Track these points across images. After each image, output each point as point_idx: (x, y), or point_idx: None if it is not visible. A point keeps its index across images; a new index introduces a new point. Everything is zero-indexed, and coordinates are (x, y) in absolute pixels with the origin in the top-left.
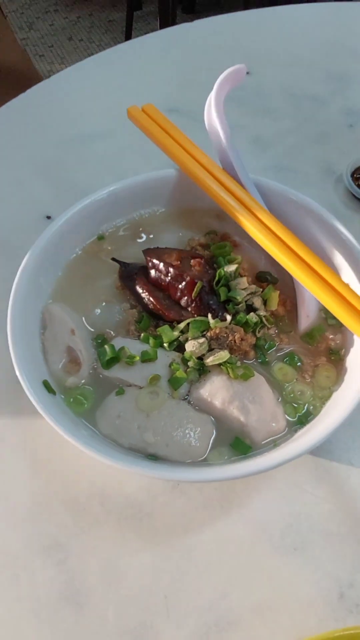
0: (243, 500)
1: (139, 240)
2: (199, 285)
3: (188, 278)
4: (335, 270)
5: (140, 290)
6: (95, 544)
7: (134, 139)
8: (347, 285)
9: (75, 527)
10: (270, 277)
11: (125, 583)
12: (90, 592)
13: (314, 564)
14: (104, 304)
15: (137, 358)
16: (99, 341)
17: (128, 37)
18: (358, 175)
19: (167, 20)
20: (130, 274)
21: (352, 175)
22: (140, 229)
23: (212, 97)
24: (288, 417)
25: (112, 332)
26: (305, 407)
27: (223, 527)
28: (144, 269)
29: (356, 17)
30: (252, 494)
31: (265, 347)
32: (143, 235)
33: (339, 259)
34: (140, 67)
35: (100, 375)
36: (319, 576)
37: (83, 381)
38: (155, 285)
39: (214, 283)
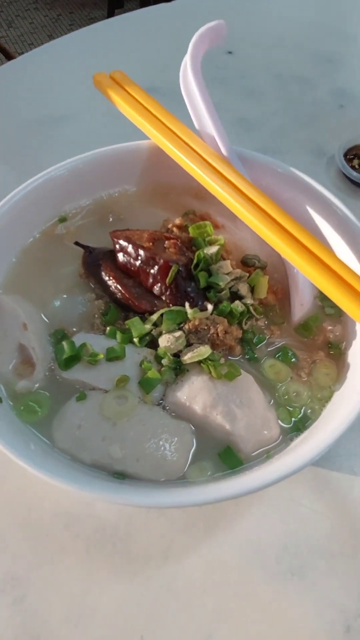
0: (232, 520)
1: (107, 223)
2: (174, 269)
3: (161, 261)
4: (330, 249)
5: (106, 278)
6: (59, 577)
7: (109, 119)
8: (345, 265)
9: (35, 557)
10: (258, 261)
11: (95, 623)
12: (52, 636)
13: (315, 592)
14: (65, 295)
15: (102, 356)
16: (58, 337)
17: None
18: (351, 156)
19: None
20: (96, 260)
21: (344, 156)
22: (109, 210)
23: (187, 56)
24: (282, 423)
25: (73, 328)
26: (302, 411)
27: (208, 552)
28: (111, 254)
29: None
30: (242, 511)
31: (254, 341)
32: (112, 217)
33: (334, 237)
34: (118, 47)
35: (58, 378)
36: (321, 606)
37: (37, 385)
38: (123, 272)
39: (192, 267)
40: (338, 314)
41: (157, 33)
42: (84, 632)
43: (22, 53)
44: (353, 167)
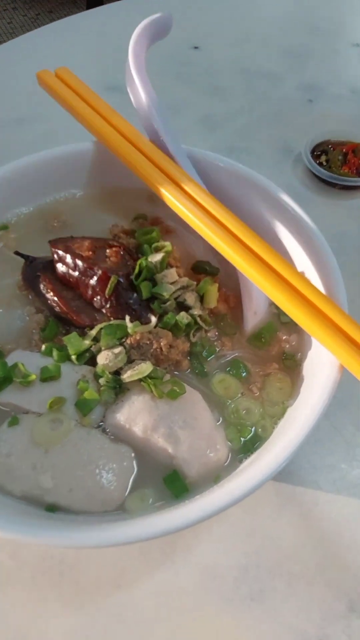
0: (189, 542)
1: (52, 230)
2: (113, 279)
3: (100, 272)
4: (287, 258)
5: (44, 290)
6: (3, 608)
7: (71, 122)
8: (301, 275)
9: None
10: (209, 267)
11: None
12: None
13: (275, 617)
14: (1, 309)
15: (34, 377)
16: None
17: None
18: (318, 153)
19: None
20: (35, 271)
21: (312, 153)
22: (54, 216)
23: (129, 54)
24: (231, 444)
25: (8, 345)
26: (253, 430)
27: (163, 578)
28: (51, 264)
29: None
30: (200, 533)
31: (203, 354)
32: (57, 223)
33: (292, 243)
34: (77, 45)
35: None
36: (282, 633)
37: None
38: (63, 283)
39: (134, 277)
40: (294, 323)
41: (117, 30)
42: None
43: None
44: (320, 164)
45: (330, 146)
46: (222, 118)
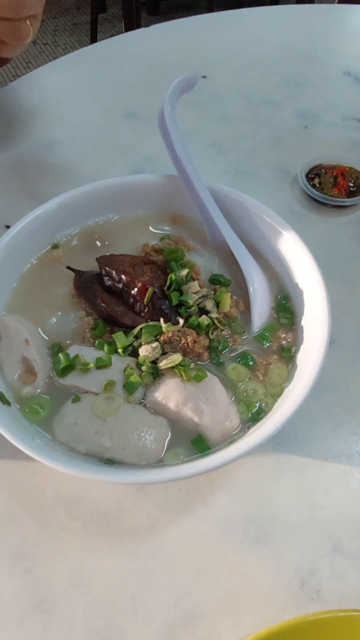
0: (206, 498)
1: (94, 248)
2: (150, 290)
3: (140, 284)
4: (281, 266)
5: (94, 298)
6: (62, 550)
7: (95, 146)
8: None
9: (40, 535)
10: (223, 279)
11: (93, 587)
12: (58, 598)
13: (276, 555)
14: (59, 312)
15: (92, 365)
16: (55, 350)
17: (94, 39)
18: (312, 175)
19: (132, 22)
20: (85, 282)
21: (306, 176)
22: (95, 237)
23: (165, 105)
24: (241, 416)
25: (67, 341)
26: (258, 405)
27: (187, 525)
28: (99, 277)
29: (309, 20)
30: (215, 491)
31: (219, 348)
32: (98, 242)
33: (294, 262)
34: (98, 73)
35: (56, 384)
36: (281, 566)
37: (39, 390)
38: (109, 292)
39: (166, 288)
40: (291, 324)
41: (133, 59)
42: (84, 594)
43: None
44: (314, 186)
45: (322, 170)
46: (228, 143)
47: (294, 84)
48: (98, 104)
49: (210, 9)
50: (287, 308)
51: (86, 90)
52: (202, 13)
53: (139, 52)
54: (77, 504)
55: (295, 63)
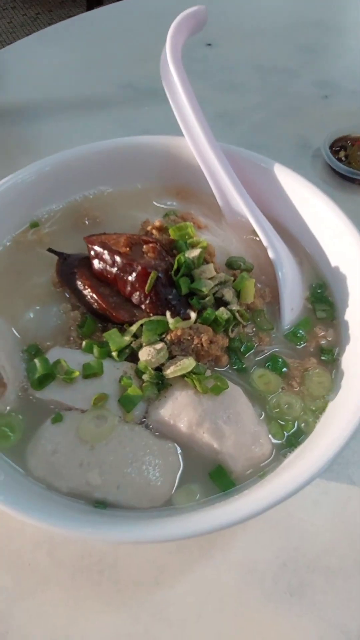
0: (227, 538)
1: (83, 227)
2: (153, 275)
3: (139, 268)
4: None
5: (81, 287)
6: (43, 609)
7: (87, 118)
8: None
9: (17, 589)
10: (243, 263)
11: None
12: None
13: (315, 612)
14: (37, 306)
15: (77, 373)
16: (31, 353)
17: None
18: (337, 148)
19: None
20: (71, 267)
21: (330, 149)
22: (84, 214)
23: (166, 46)
24: (274, 439)
25: (47, 342)
26: (295, 424)
27: (203, 575)
28: (87, 260)
29: None
30: (237, 529)
31: (241, 349)
32: (87, 220)
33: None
34: (93, 42)
35: (32, 398)
36: (322, 628)
37: (9, 407)
38: (100, 280)
39: (173, 272)
40: (330, 318)
41: (132, 28)
42: None
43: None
44: (339, 159)
45: (349, 142)
46: (239, 114)
47: (309, 51)
48: (91, 74)
49: None
50: (324, 298)
51: (79, 59)
52: None
53: (137, 20)
54: (64, 546)
55: (309, 30)
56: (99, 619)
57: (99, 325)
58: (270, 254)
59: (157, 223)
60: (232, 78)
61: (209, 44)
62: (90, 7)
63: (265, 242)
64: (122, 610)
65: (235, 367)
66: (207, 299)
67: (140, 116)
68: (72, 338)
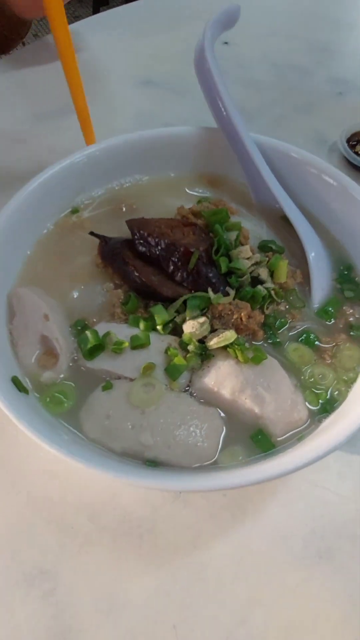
0: (257, 506)
1: (120, 213)
2: (195, 254)
3: (182, 248)
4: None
5: (125, 267)
6: (87, 568)
7: (109, 115)
8: None
9: (62, 550)
10: (275, 246)
11: (126, 614)
12: (84, 627)
13: (343, 573)
14: (82, 286)
15: (126, 344)
16: (79, 328)
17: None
18: (354, 142)
19: None
20: (114, 249)
21: (347, 143)
22: (122, 201)
23: (204, 40)
24: (309, 406)
25: (93, 319)
26: (329, 393)
27: (236, 539)
28: (129, 243)
29: None
30: (267, 498)
31: (276, 325)
32: (124, 207)
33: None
34: (113, 41)
35: (83, 368)
36: (351, 588)
37: (62, 376)
38: (142, 260)
39: (213, 252)
40: (358, 297)
41: (151, 26)
42: (116, 622)
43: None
44: (357, 153)
45: None
46: (257, 109)
47: (323, 50)
48: (112, 72)
49: None
50: (351, 279)
51: (99, 57)
52: None
53: (154, 19)
54: (104, 512)
55: (321, 29)
56: (140, 578)
57: (142, 302)
58: (302, 237)
59: (193, 208)
60: (249, 75)
61: (226, 42)
62: (96, 7)
63: (296, 225)
64: (162, 570)
65: (270, 341)
66: (245, 277)
67: (161, 111)
68: (116, 314)
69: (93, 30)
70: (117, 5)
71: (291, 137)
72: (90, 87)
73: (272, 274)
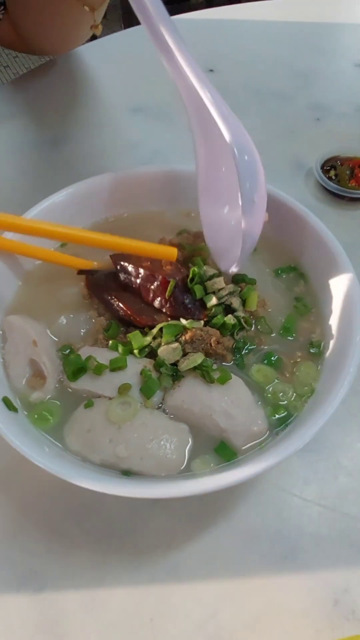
0: (229, 510)
1: None
2: (172, 283)
3: (160, 277)
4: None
5: (108, 298)
6: (73, 569)
7: (100, 141)
8: None
9: (50, 552)
10: (247, 278)
11: (108, 609)
12: (70, 621)
13: (305, 571)
14: (70, 314)
15: (105, 367)
16: (65, 352)
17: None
18: (328, 168)
19: (130, 20)
20: (98, 282)
21: (322, 168)
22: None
23: None
24: (270, 419)
25: (78, 344)
26: (288, 407)
27: (209, 541)
28: (112, 275)
29: (316, 12)
30: (238, 502)
31: (244, 349)
32: None
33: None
34: (102, 69)
35: (69, 389)
36: (312, 584)
37: (48, 396)
38: (124, 290)
39: (188, 281)
40: (308, 312)
41: (138, 54)
42: (99, 616)
43: (8, 66)
44: (330, 178)
45: (338, 162)
46: None
47: (304, 76)
48: (101, 101)
49: (209, 4)
50: (302, 298)
51: (88, 86)
52: (201, 9)
53: (140, 48)
54: (89, 518)
55: (304, 55)
56: (121, 577)
57: (122, 329)
58: (226, 137)
59: (174, 240)
60: (232, 102)
61: (211, 70)
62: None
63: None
64: (140, 569)
65: (236, 363)
66: (217, 309)
67: (150, 138)
68: (98, 340)
69: (81, 60)
70: (114, 18)
71: (271, 164)
72: (78, 116)
73: (244, 302)
